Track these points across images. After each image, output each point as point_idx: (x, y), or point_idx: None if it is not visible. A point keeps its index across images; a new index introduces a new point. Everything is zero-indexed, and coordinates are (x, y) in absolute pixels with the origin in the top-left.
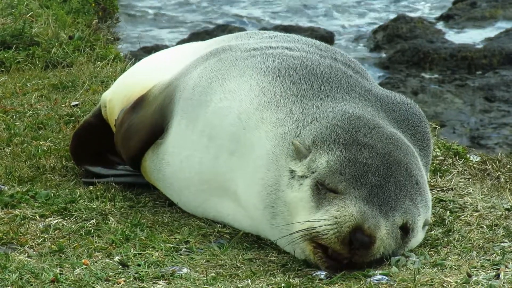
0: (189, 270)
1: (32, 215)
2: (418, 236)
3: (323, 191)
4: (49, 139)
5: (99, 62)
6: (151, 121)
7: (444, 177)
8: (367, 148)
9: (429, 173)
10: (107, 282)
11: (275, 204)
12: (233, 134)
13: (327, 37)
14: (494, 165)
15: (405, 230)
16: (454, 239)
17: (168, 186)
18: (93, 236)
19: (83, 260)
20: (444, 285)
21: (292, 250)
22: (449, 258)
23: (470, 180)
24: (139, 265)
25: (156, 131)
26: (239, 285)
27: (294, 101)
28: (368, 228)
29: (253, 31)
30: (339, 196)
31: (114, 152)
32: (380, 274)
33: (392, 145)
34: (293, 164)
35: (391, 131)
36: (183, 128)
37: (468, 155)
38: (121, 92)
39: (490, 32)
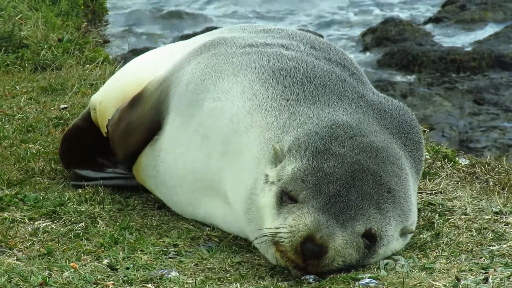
0: (177, 274)
1: (21, 218)
2: (394, 245)
3: (286, 199)
4: (38, 142)
5: (88, 65)
6: (149, 117)
7: (433, 181)
8: (334, 156)
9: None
10: (95, 285)
11: (250, 210)
12: (224, 136)
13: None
14: (483, 169)
15: (371, 239)
16: (443, 242)
17: (160, 183)
18: (82, 239)
19: (71, 264)
20: None
21: (266, 254)
22: (437, 261)
23: (459, 183)
24: (127, 268)
25: (154, 127)
26: None
27: (284, 105)
28: (320, 238)
29: (246, 24)
30: (299, 205)
31: (103, 155)
32: (369, 277)
33: (365, 154)
34: (269, 168)
35: (372, 139)
36: (178, 125)
37: (457, 159)
38: (114, 93)
39: (479, 35)
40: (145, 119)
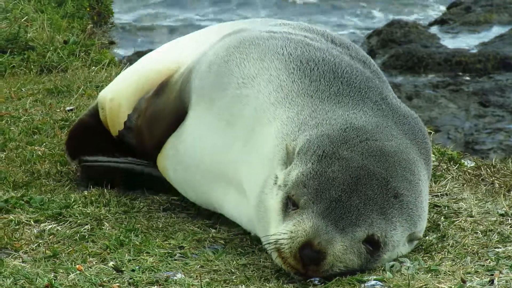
0: (183, 276)
1: (27, 220)
2: (400, 250)
3: (290, 204)
4: (44, 144)
5: (94, 67)
6: (174, 107)
7: (439, 183)
8: (340, 161)
9: None
10: (101, 287)
11: (259, 208)
12: (249, 125)
13: None
14: (489, 171)
15: (373, 245)
16: (449, 244)
17: (177, 162)
18: (87, 242)
19: (77, 266)
20: None
21: (272, 256)
22: (443, 263)
23: (465, 185)
24: (133, 270)
25: (180, 117)
26: None
27: (308, 102)
28: (318, 244)
29: (264, 18)
30: (300, 210)
31: (109, 153)
32: (375, 279)
33: (373, 158)
34: (279, 169)
35: (385, 143)
36: (201, 108)
37: (462, 161)
38: (129, 86)
39: (485, 36)
40: (170, 108)
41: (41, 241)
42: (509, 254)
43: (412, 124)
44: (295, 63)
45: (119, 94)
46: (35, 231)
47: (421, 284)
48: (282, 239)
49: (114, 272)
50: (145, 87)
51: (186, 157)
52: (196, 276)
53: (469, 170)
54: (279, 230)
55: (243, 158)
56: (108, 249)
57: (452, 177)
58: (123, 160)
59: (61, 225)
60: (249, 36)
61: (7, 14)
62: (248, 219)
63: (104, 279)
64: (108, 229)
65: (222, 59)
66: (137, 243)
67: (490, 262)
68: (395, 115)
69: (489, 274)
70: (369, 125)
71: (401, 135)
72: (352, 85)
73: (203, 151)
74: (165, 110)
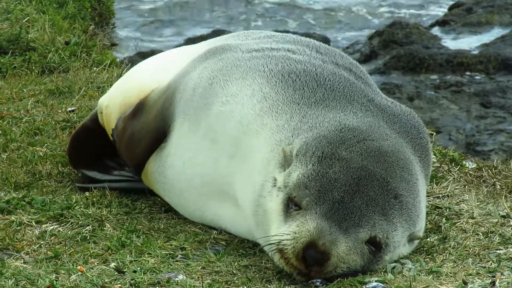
0: (185, 277)
1: (28, 221)
2: (401, 250)
3: (292, 205)
4: (45, 145)
5: (95, 68)
6: (154, 126)
7: (440, 184)
8: (340, 161)
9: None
10: None
11: (257, 213)
12: (234, 138)
13: (322, 42)
14: (490, 172)
15: (376, 246)
16: (450, 246)
17: (169, 188)
18: (89, 243)
19: (79, 267)
20: None
21: (273, 258)
22: (444, 265)
23: (466, 187)
24: (135, 271)
25: (160, 136)
26: None
27: (295, 109)
28: (322, 245)
29: (249, 31)
30: (302, 211)
31: (111, 157)
32: (376, 281)
33: (372, 158)
34: (278, 172)
35: (381, 143)
36: (186, 130)
37: (464, 162)
38: (117, 98)
39: (486, 38)
40: (150, 128)
41: (42, 242)
42: (511, 255)
43: (404, 121)
44: (277, 77)
45: (111, 103)
46: (37, 232)
47: (422, 286)
48: (285, 239)
49: (116, 273)
50: (128, 103)
51: (176, 183)
52: (198, 277)
53: (470, 172)
54: (281, 231)
55: (233, 171)
56: (109, 250)
57: (454, 178)
58: (117, 178)
59: (63, 226)
60: (231, 58)
61: (9, 15)
62: (246, 229)
63: (106, 280)
64: (110, 230)
65: (207, 82)
66: (138, 244)
67: (491, 263)
68: (384, 115)
69: (490, 275)
70: (362, 125)
71: (394, 134)
72: (336, 90)
73: (193, 173)
74: (144, 129)
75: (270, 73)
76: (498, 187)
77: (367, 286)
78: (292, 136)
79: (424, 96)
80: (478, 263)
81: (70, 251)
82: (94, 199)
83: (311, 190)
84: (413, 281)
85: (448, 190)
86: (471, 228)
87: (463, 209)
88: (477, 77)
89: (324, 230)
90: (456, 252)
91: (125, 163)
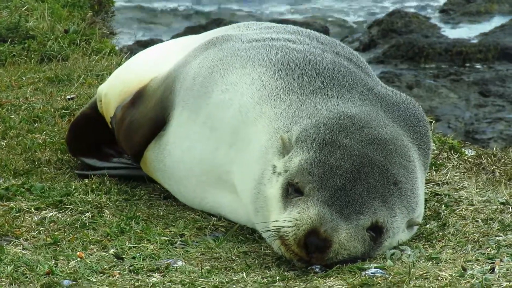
0: (184, 263)
1: (28, 208)
2: (400, 236)
3: (292, 191)
4: (45, 132)
5: (94, 56)
6: (153, 115)
7: (440, 171)
8: (341, 149)
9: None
10: (102, 274)
11: (257, 200)
12: (233, 127)
13: (322, 32)
14: (489, 160)
15: (377, 232)
16: (449, 232)
17: (168, 176)
18: (88, 229)
19: (78, 253)
20: (439, 278)
21: (272, 245)
22: (444, 251)
23: (465, 174)
24: (134, 257)
25: (159, 124)
26: (234, 278)
27: (294, 97)
28: (324, 232)
29: (249, 22)
30: (304, 198)
31: (109, 145)
32: (375, 267)
33: (372, 146)
34: (276, 159)
35: (380, 131)
36: (185, 119)
37: (463, 150)
38: (116, 87)
39: (485, 27)
40: (149, 116)
41: (41, 228)
42: (510, 242)
43: (403, 110)
44: (276, 66)
45: (110, 91)
46: (36, 218)
47: (421, 272)
48: (286, 226)
49: (115, 259)
50: (127, 92)
51: (175, 171)
52: (197, 264)
53: (469, 159)
54: (282, 218)
55: (232, 159)
56: (109, 237)
57: (453, 166)
58: (116, 165)
59: (62, 212)
60: (232, 48)
61: (8, 3)
62: (245, 217)
63: (105, 266)
64: (109, 217)
65: (207, 71)
66: (137, 230)
67: (491, 250)
68: (383, 103)
69: (490, 262)
70: (361, 113)
71: (392, 122)
72: (335, 78)
73: (192, 161)
74: (143, 118)
75: (270, 62)
76: (497, 174)
77: (366, 273)
78: (290, 124)
79: (423, 85)
80: (478, 250)
81: (69, 238)
82: (94, 186)
83: (314, 177)
84: (412, 268)
85: (447, 177)
86: (471, 215)
87: (462, 196)
88: (476, 66)
89: (325, 217)
90: (456, 239)
91: (123, 151)
